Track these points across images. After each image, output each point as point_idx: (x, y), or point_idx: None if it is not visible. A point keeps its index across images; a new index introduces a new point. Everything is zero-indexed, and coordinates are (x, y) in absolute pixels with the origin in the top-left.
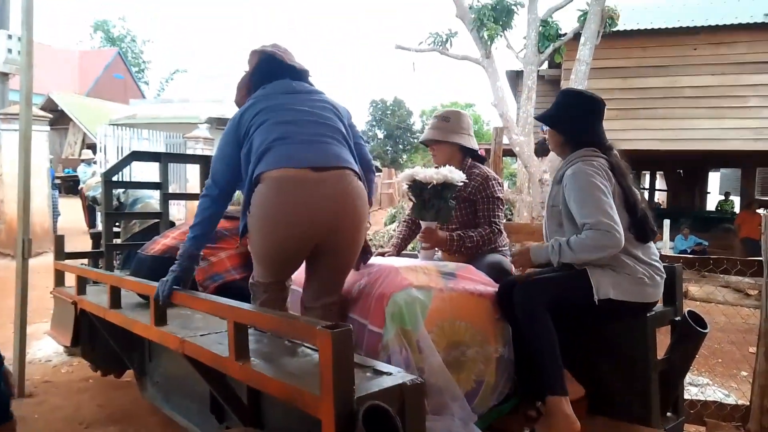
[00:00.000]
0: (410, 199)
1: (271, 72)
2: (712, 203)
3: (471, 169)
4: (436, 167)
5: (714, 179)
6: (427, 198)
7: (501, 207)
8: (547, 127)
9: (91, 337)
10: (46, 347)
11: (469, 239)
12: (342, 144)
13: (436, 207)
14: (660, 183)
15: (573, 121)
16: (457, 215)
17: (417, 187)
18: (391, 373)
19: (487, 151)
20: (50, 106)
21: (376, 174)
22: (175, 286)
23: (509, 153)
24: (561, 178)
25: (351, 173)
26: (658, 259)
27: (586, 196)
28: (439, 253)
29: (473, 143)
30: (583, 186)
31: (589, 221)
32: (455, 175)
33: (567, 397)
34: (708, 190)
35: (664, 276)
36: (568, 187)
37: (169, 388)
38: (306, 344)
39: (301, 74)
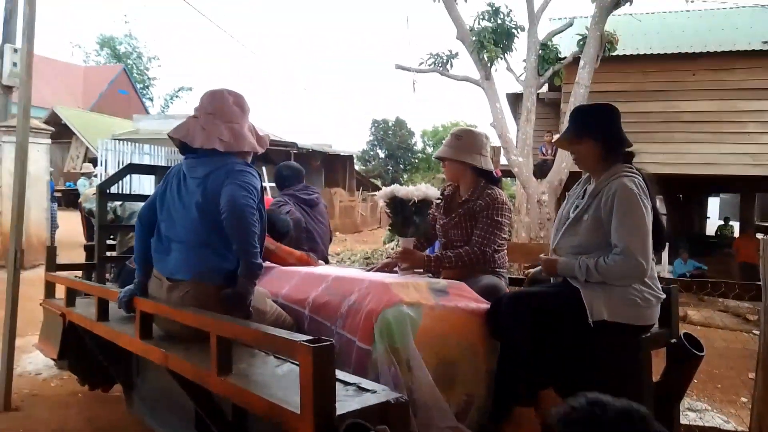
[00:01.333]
0: (388, 216)
1: (182, 149)
2: (711, 228)
3: (484, 189)
4: (448, 185)
5: (714, 204)
6: (408, 215)
7: (498, 231)
8: (578, 145)
9: (78, 350)
10: (37, 360)
11: (447, 259)
12: (196, 245)
13: (415, 223)
14: (659, 207)
15: (609, 130)
16: (463, 232)
17: (397, 204)
18: (375, 391)
19: None
20: (54, 119)
21: (372, 194)
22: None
23: (508, 174)
24: (598, 192)
25: (185, 285)
26: (656, 278)
27: (630, 218)
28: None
29: (486, 164)
30: (632, 207)
31: (621, 246)
32: (431, 191)
33: (532, 409)
34: (707, 215)
35: (662, 297)
36: (616, 202)
37: (155, 403)
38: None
39: (205, 152)
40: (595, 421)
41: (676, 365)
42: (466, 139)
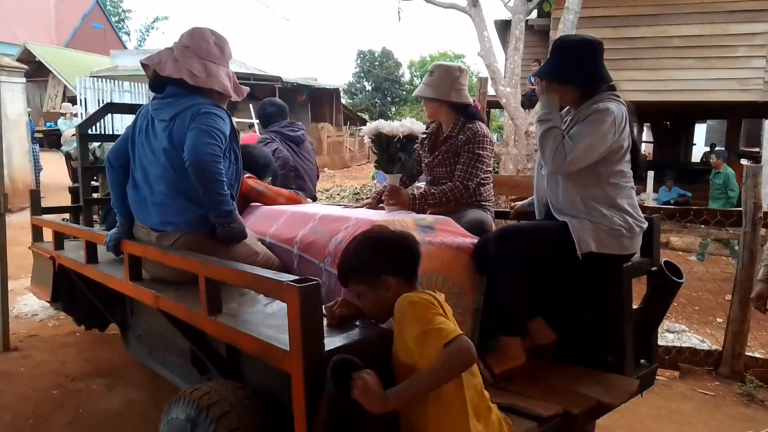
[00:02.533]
0: (374, 153)
1: (154, 84)
2: (697, 155)
3: (465, 124)
4: (432, 122)
5: (700, 131)
6: (393, 152)
7: (480, 164)
8: (552, 84)
9: (71, 292)
10: (32, 302)
11: (432, 197)
12: (172, 196)
13: (401, 160)
14: (646, 135)
15: (585, 70)
16: (447, 169)
17: (382, 140)
18: (362, 326)
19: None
20: (27, 57)
21: (359, 128)
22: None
23: (496, 105)
24: (586, 117)
25: (173, 234)
26: (638, 207)
27: (592, 130)
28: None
29: (460, 97)
30: (595, 123)
31: (571, 140)
32: (417, 126)
33: (519, 338)
34: (694, 142)
35: (645, 226)
36: (589, 117)
37: (151, 342)
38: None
39: (176, 83)
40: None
41: (656, 292)
42: (437, 75)
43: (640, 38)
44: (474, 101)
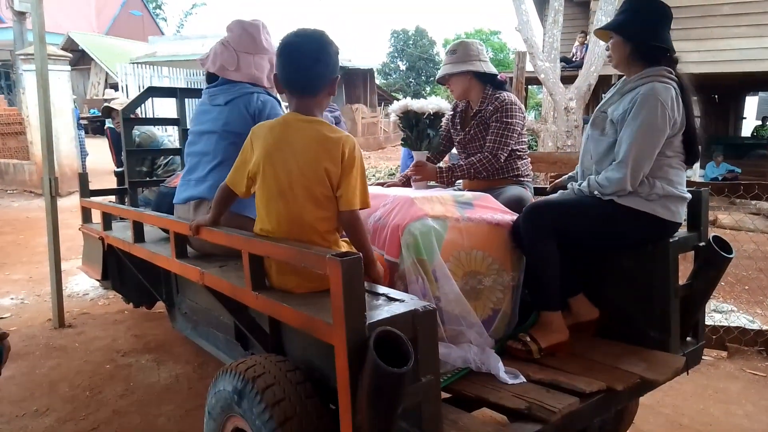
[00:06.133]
0: (401, 130)
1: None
2: (748, 129)
3: (492, 95)
4: (458, 102)
5: (752, 104)
6: (422, 129)
7: (510, 133)
8: (610, 39)
9: (120, 270)
10: (84, 282)
11: (459, 169)
12: (214, 164)
13: (429, 137)
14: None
15: (645, 28)
16: (479, 144)
17: (410, 118)
18: (403, 300)
19: (510, 78)
20: (70, 46)
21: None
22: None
23: (534, 81)
24: (630, 91)
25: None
26: (683, 184)
27: (641, 132)
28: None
29: (488, 67)
30: (647, 120)
31: (620, 159)
32: (444, 104)
33: (559, 312)
34: (744, 116)
35: (686, 196)
36: (637, 106)
37: (197, 318)
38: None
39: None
40: None
41: (704, 268)
42: (461, 51)
43: (687, 6)
44: (501, 74)
